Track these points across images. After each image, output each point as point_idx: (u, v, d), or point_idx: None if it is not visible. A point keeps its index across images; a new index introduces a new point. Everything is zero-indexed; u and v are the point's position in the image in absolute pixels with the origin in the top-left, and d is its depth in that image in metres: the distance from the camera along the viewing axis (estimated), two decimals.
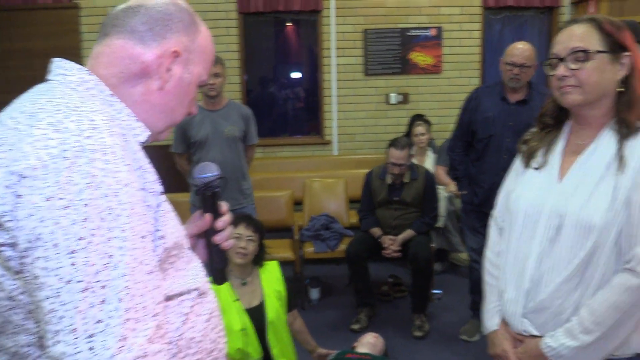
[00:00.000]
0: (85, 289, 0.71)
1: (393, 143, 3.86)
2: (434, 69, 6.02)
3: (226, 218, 1.16)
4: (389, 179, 3.94)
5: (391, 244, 3.85)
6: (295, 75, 6.44)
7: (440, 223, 4.54)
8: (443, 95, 6.03)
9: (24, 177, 0.73)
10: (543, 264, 1.43)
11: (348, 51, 5.96)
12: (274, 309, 2.71)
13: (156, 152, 5.36)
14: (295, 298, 3.00)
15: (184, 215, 1.06)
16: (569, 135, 1.52)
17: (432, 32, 5.96)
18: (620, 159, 1.36)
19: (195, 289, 0.95)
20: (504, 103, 3.28)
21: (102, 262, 0.73)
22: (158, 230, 0.86)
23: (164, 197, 0.90)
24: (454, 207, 4.70)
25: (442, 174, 4.64)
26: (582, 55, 1.37)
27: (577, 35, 1.39)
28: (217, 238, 1.14)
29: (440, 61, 6.01)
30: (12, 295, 0.78)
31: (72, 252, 0.72)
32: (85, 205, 0.73)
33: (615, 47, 1.38)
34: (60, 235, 0.72)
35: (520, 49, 3.16)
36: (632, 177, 1.34)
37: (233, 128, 3.67)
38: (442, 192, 4.63)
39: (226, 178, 3.93)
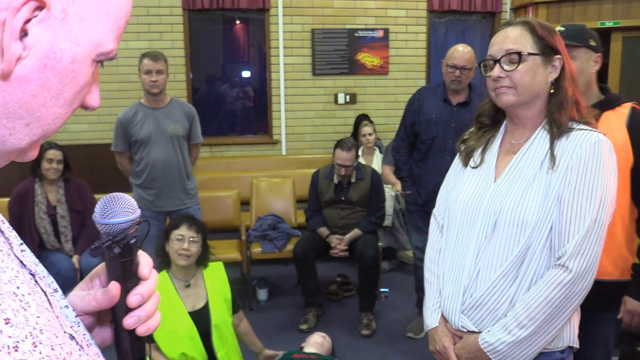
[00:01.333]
0: None
1: (339, 144, 3.86)
2: (381, 70, 6.09)
3: (146, 288, 0.69)
4: (335, 179, 3.95)
5: (338, 243, 3.86)
6: (244, 74, 6.38)
7: (387, 222, 4.58)
8: (390, 96, 6.11)
9: None
10: (480, 261, 1.46)
11: (296, 50, 5.95)
12: (219, 311, 2.67)
13: (95, 150, 5.24)
14: (241, 299, 2.96)
15: None
16: (505, 134, 1.56)
17: (379, 34, 6.03)
18: (552, 157, 1.41)
19: None
20: (446, 105, 3.34)
21: None
22: None
23: (15, 334, 0.46)
24: (401, 205, 4.76)
25: (388, 173, 4.70)
26: (516, 57, 1.42)
27: (511, 37, 1.43)
28: (128, 321, 0.68)
29: (387, 62, 6.09)
30: None
31: None
32: None
33: (547, 50, 1.43)
34: None
35: (461, 52, 3.22)
36: (563, 175, 1.39)
37: (176, 126, 3.60)
38: (389, 191, 4.68)
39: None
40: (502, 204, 1.44)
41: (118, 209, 0.67)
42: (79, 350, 0.56)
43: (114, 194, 0.69)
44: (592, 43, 1.90)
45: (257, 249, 4.15)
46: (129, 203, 0.68)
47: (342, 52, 5.98)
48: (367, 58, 6.04)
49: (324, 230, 3.93)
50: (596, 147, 1.37)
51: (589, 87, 1.91)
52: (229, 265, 3.70)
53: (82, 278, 3.95)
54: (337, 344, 3.31)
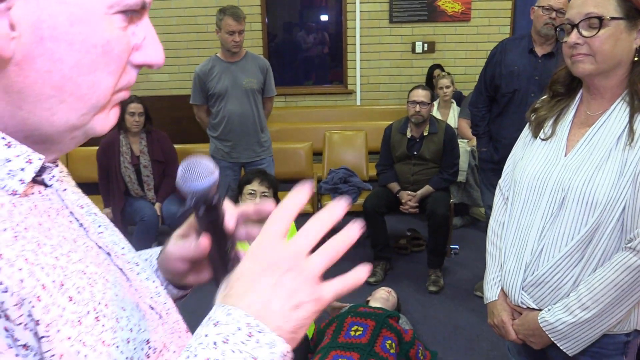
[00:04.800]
0: None
1: (415, 87, 3.93)
2: (463, 17, 5.79)
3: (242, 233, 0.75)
4: (409, 133, 3.89)
5: (409, 199, 3.84)
6: (320, 21, 6.29)
7: (461, 177, 4.48)
8: (470, 44, 5.83)
9: None
10: (544, 238, 1.40)
11: None
12: None
13: (176, 101, 5.45)
14: None
15: None
16: (580, 105, 1.45)
17: None
18: (631, 132, 1.30)
19: None
20: (531, 56, 3.16)
21: None
22: None
23: (76, 311, 0.50)
24: (476, 161, 4.62)
25: (465, 127, 4.55)
26: (596, 21, 1.30)
27: None
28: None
29: (470, 8, 5.77)
30: None
31: None
32: None
33: (633, 13, 1.29)
34: None
35: None
36: None
37: (251, 80, 3.66)
38: (464, 146, 4.55)
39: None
40: (571, 181, 1.36)
41: (195, 175, 0.69)
42: (158, 319, 0.63)
43: (191, 159, 0.70)
44: None
45: (328, 202, 4.20)
46: (206, 166, 0.70)
47: None
48: (447, 4, 5.76)
49: (394, 186, 3.90)
50: None
51: None
52: (300, 216, 3.79)
53: (163, 223, 4.09)
54: (403, 298, 3.35)
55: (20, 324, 0.45)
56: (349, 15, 5.82)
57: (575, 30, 1.33)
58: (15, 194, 0.51)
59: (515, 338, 1.51)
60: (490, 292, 1.58)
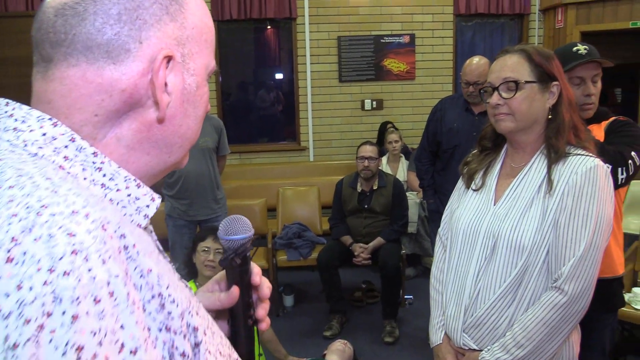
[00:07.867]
0: None
1: (363, 143, 4.11)
2: (408, 76, 6.12)
3: (266, 291, 0.84)
4: (359, 187, 4.02)
5: (361, 252, 3.93)
6: (272, 81, 6.50)
7: (412, 229, 4.62)
8: (416, 101, 6.13)
9: None
10: (480, 282, 1.51)
11: (322, 58, 6.03)
12: None
13: None
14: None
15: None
16: (505, 158, 1.60)
17: (405, 39, 6.05)
18: (549, 182, 1.45)
19: None
20: (468, 114, 3.37)
21: None
22: None
23: (203, 324, 0.61)
24: (425, 212, 4.79)
25: (414, 179, 4.73)
26: (513, 85, 1.46)
27: (508, 65, 1.48)
28: (261, 313, 0.83)
29: (414, 68, 6.11)
30: None
31: None
32: None
33: (544, 77, 1.47)
34: None
35: (473, 66, 3.23)
36: (559, 200, 1.42)
37: (207, 140, 3.74)
38: (414, 198, 4.72)
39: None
40: (500, 228, 1.48)
41: (238, 228, 0.80)
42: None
43: (234, 215, 0.82)
44: None
45: (283, 257, 4.25)
46: (245, 223, 0.81)
47: (368, 59, 6.04)
48: (393, 64, 6.08)
49: (347, 239, 4.00)
50: (592, 172, 1.40)
51: None
52: None
53: None
54: (360, 350, 3.37)
55: (181, 333, 0.55)
56: (300, 75, 6.05)
57: (496, 93, 1.49)
58: (139, 227, 0.59)
59: None
60: (435, 336, 1.66)
